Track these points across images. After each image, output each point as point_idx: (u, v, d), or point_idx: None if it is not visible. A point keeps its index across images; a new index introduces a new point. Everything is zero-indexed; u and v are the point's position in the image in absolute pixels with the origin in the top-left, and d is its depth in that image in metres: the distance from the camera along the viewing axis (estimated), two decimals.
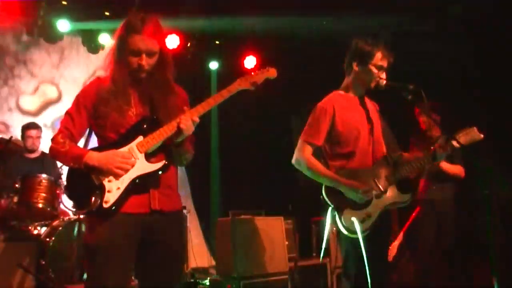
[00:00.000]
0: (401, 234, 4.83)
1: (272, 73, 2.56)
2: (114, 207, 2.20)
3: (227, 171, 7.34)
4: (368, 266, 2.88)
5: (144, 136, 2.29)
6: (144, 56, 2.30)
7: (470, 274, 4.61)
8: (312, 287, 5.18)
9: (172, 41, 6.57)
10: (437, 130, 4.71)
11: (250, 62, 7.10)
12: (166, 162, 2.31)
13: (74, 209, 1.88)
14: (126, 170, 2.23)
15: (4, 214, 4.54)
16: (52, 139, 2.35)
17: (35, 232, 4.52)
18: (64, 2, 6.03)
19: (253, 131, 7.28)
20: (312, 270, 5.31)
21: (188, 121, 2.27)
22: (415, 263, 4.82)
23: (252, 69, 6.95)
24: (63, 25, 6.10)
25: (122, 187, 2.22)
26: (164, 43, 2.42)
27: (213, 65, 7.37)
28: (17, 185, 4.54)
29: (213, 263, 5.89)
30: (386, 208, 3.01)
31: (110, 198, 2.20)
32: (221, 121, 7.39)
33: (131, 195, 2.25)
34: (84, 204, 2.21)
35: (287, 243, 5.21)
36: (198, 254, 5.99)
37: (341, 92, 3.20)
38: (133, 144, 2.28)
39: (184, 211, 5.95)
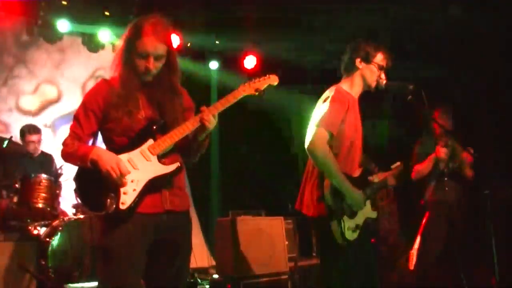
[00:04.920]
0: (417, 241, 4.76)
1: (274, 80, 2.60)
2: (130, 209, 2.22)
3: (227, 171, 7.33)
4: (360, 275, 2.86)
5: (154, 138, 2.32)
6: (151, 59, 2.31)
7: (470, 274, 4.60)
8: (312, 287, 5.18)
9: (172, 41, 6.55)
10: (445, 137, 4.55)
11: (250, 62, 7.08)
12: (180, 165, 2.35)
13: (92, 211, 1.88)
14: (115, 175, 2.20)
15: (4, 214, 4.53)
16: (63, 143, 2.35)
17: (35, 232, 4.51)
18: (64, 2, 6.02)
19: (253, 131, 7.27)
20: (312, 270, 5.30)
21: (209, 116, 2.36)
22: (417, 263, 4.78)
23: (252, 69, 6.95)
24: (62, 25, 6.09)
25: (138, 189, 2.25)
26: (172, 47, 2.42)
27: (213, 65, 7.35)
28: (17, 185, 4.54)
29: (213, 263, 5.88)
30: (366, 220, 2.98)
31: (127, 200, 2.21)
32: (221, 121, 7.37)
33: (145, 196, 2.27)
34: (99, 207, 2.21)
35: (287, 243, 5.21)
36: (198, 254, 5.96)
37: (345, 87, 3.07)
38: (144, 147, 2.30)
39: None
